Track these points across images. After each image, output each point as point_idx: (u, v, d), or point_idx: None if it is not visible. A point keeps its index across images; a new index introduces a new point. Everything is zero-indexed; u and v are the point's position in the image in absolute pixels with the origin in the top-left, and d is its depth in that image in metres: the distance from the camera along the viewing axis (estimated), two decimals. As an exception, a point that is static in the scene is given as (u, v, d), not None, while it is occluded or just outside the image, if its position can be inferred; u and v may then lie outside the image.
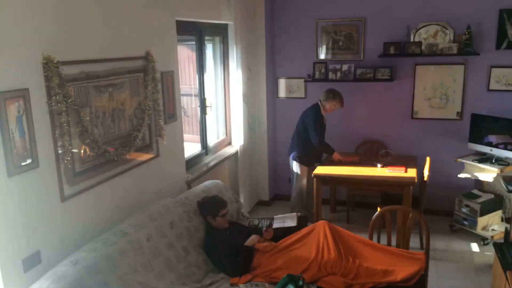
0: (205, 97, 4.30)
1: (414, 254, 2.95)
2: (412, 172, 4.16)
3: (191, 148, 4.26)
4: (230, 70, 4.73)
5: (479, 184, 4.64)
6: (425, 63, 4.78)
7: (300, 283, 2.56)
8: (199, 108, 4.28)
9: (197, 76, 4.21)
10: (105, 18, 2.67)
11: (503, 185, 4.13)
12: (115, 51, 2.77)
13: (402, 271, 2.78)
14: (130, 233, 2.58)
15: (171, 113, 3.47)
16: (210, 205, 3.17)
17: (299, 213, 3.61)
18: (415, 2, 4.68)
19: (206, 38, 4.32)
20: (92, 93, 2.57)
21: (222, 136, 4.84)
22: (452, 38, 4.58)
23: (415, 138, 4.98)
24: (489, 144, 4.39)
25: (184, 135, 3.73)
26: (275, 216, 3.58)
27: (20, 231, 2.13)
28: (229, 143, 4.93)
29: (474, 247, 4.30)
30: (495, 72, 4.55)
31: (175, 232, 2.89)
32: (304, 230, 3.16)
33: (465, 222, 4.42)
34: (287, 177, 5.57)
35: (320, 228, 3.06)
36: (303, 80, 5.20)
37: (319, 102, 4.58)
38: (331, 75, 5.01)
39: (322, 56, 5.11)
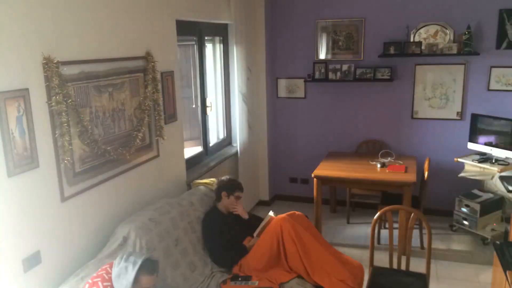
0: (205, 97, 4.31)
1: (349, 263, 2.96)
2: (412, 172, 4.16)
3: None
4: (230, 70, 4.73)
5: (479, 184, 4.64)
6: (425, 63, 4.77)
7: None
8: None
9: (197, 76, 4.21)
10: (105, 18, 2.67)
11: (503, 185, 4.13)
12: (115, 51, 2.77)
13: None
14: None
15: (171, 113, 3.47)
16: (230, 183, 3.30)
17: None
18: (415, 2, 4.68)
19: (206, 38, 4.32)
20: (92, 93, 2.57)
21: (222, 136, 4.84)
22: (452, 38, 4.58)
23: (415, 138, 4.98)
24: (489, 144, 4.39)
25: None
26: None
27: (20, 231, 2.13)
28: (229, 143, 4.93)
29: (474, 247, 4.30)
30: (495, 72, 4.55)
31: (179, 248, 2.87)
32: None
33: (465, 222, 4.42)
34: (287, 177, 5.59)
35: (277, 224, 3.01)
36: (303, 80, 5.21)
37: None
38: (331, 75, 5.01)
39: (322, 56, 5.11)
